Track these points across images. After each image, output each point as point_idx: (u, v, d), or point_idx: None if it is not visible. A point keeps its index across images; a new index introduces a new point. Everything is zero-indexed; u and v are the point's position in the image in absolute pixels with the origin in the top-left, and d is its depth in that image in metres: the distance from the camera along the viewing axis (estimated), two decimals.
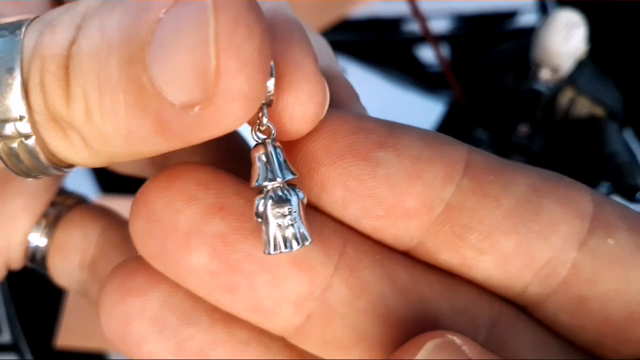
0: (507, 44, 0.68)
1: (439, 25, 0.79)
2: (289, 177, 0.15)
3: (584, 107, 0.65)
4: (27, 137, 0.14)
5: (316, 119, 0.16)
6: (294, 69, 0.15)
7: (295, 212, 0.15)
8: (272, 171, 0.15)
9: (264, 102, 0.15)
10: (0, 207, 0.23)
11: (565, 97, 0.65)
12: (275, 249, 0.15)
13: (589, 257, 0.15)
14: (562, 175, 0.16)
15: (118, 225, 0.25)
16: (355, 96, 0.19)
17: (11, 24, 0.14)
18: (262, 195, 0.15)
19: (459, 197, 0.15)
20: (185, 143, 0.14)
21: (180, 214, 0.15)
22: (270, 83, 0.15)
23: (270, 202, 0.15)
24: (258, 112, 0.15)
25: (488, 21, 0.80)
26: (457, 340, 0.14)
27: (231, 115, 0.13)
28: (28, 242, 0.24)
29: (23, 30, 0.14)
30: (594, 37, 0.64)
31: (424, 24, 0.61)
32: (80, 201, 0.25)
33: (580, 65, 0.64)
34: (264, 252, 0.15)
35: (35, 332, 0.54)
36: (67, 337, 0.52)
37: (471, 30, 0.79)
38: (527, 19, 0.82)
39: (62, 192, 0.25)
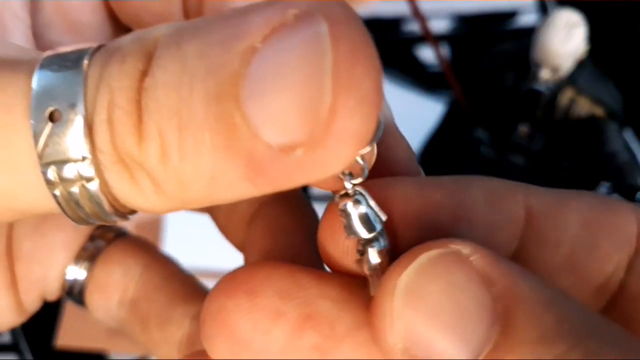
0: (507, 44, 0.68)
1: (438, 25, 0.79)
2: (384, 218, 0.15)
3: (584, 107, 0.65)
4: (89, 180, 0.13)
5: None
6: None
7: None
8: (370, 220, 0.14)
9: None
10: (39, 241, 0.22)
11: (565, 97, 0.65)
12: None
13: (635, 279, 0.16)
14: (608, 199, 0.16)
15: (160, 263, 0.24)
16: (411, 155, 0.18)
17: (73, 52, 0.13)
18: (369, 245, 0.14)
19: (521, 248, 0.15)
20: (278, 189, 0.12)
21: (270, 334, 0.14)
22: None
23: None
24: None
25: (488, 21, 0.80)
26: (465, 250, 0.13)
27: (340, 158, 0.12)
28: (65, 275, 0.23)
29: (86, 60, 0.13)
30: (594, 37, 0.64)
31: (424, 24, 0.61)
32: (119, 234, 0.24)
33: (580, 65, 0.65)
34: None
35: (35, 332, 0.54)
36: (67, 337, 0.52)
37: (471, 30, 0.79)
38: (527, 19, 0.82)
39: (101, 225, 0.24)
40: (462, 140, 0.71)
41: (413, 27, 0.77)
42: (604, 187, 0.69)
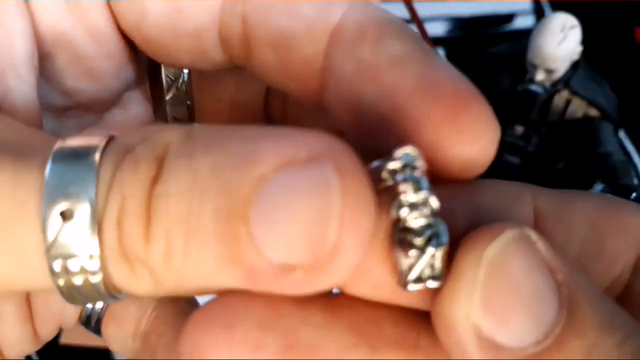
0: (503, 45, 0.69)
1: (436, 28, 0.80)
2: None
3: (579, 108, 0.66)
4: (93, 273, 0.13)
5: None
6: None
7: None
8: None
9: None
10: None
11: (561, 98, 0.66)
12: None
13: None
14: (615, 199, 0.17)
15: (172, 298, 0.24)
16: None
17: (83, 147, 0.14)
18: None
19: None
20: (273, 293, 0.13)
21: None
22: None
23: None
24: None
25: (485, 24, 0.81)
26: (533, 235, 0.13)
27: (335, 281, 0.13)
28: (83, 307, 0.24)
29: (97, 157, 0.13)
30: (589, 38, 0.64)
31: (422, 27, 0.62)
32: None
33: (575, 67, 0.65)
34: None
35: None
36: (72, 334, 0.53)
37: (468, 33, 0.80)
38: (524, 21, 0.82)
39: None
40: None
41: (412, 29, 0.78)
42: (598, 187, 0.69)
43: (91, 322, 0.25)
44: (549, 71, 0.64)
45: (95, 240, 0.13)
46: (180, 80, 0.21)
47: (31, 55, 0.18)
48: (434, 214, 0.14)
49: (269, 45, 0.17)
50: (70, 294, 0.14)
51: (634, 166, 0.78)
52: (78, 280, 0.14)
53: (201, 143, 0.13)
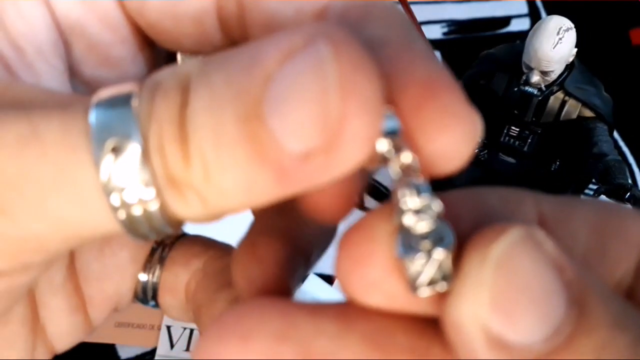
0: (499, 48, 0.69)
1: (433, 31, 0.81)
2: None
3: (574, 109, 0.66)
4: (149, 202, 0.14)
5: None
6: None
7: None
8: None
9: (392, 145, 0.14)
10: (107, 261, 0.23)
11: (556, 100, 0.66)
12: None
13: None
14: (615, 204, 0.17)
15: (217, 256, 0.24)
16: None
17: (120, 94, 0.15)
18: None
19: None
20: (305, 189, 0.14)
21: None
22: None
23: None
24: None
25: (481, 27, 0.81)
26: (540, 234, 0.13)
27: (354, 158, 0.13)
28: (136, 285, 0.25)
29: (133, 96, 0.14)
30: (585, 41, 0.65)
31: (419, 30, 0.63)
32: (178, 237, 0.25)
33: (571, 68, 0.66)
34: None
35: None
36: None
37: (465, 36, 0.81)
38: (520, 24, 0.83)
39: None
40: None
41: None
42: (593, 187, 0.70)
43: (147, 298, 0.25)
44: (545, 73, 0.64)
45: (146, 170, 0.14)
46: None
47: (55, 43, 0.19)
48: (438, 217, 0.14)
49: (262, 27, 0.18)
50: (133, 227, 0.15)
51: (629, 166, 0.79)
52: (137, 210, 0.14)
53: (215, 63, 0.14)
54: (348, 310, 0.15)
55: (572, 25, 0.63)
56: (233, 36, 0.19)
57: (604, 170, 0.64)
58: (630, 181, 0.64)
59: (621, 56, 0.81)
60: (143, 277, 0.25)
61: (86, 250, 0.23)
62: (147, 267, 0.24)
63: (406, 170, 0.14)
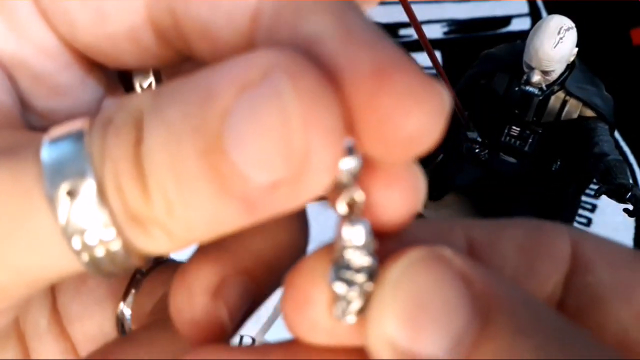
0: (500, 47, 0.69)
1: (433, 31, 0.81)
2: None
3: (575, 109, 0.66)
4: (110, 242, 0.14)
5: (409, 218, 0.15)
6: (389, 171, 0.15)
7: None
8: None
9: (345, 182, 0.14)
10: (85, 300, 0.23)
11: (557, 99, 0.66)
12: None
13: (572, 296, 0.16)
14: (542, 223, 0.17)
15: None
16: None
17: (70, 132, 0.14)
18: None
19: None
20: (272, 216, 0.14)
21: None
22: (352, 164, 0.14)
23: None
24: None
25: (482, 27, 0.81)
26: (447, 253, 0.14)
27: (319, 186, 0.13)
28: (118, 318, 0.24)
29: (84, 136, 0.14)
30: (586, 40, 0.65)
31: (420, 30, 0.63)
32: (158, 263, 0.25)
33: (571, 68, 0.66)
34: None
35: None
36: None
37: (465, 35, 0.81)
38: (520, 24, 0.83)
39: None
40: (457, 141, 0.73)
41: (410, 31, 0.79)
42: (594, 187, 0.70)
43: (125, 329, 0.25)
44: (545, 73, 0.64)
45: (104, 210, 0.14)
46: (150, 82, 0.21)
47: (1, 79, 0.19)
48: (373, 253, 0.15)
49: (198, 36, 0.17)
50: (98, 267, 0.15)
51: (630, 166, 0.79)
52: (100, 252, 0.14)
53: (167, 97, 0.14)
54: (295, 348, 0.15)
55: (573, 25, 0.63)
56: (174, 46, 0.19)
57: (604, 170, 0.64)
58: (631, 181, 0.64)
59: (622, 56, 0.81)
60: (122, 308, 0.24)
61: (63, 292, 0.23)
62: (125, 299, 0.24)
63: (351, 208, 0.15)
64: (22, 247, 0.14)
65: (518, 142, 0.70)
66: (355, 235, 0.14)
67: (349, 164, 0.14)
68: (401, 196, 0.15)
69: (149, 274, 0.24)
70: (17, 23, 0.19)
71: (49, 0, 0.18)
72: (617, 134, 0.74)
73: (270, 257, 0.17)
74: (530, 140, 0.69)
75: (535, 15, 0.83)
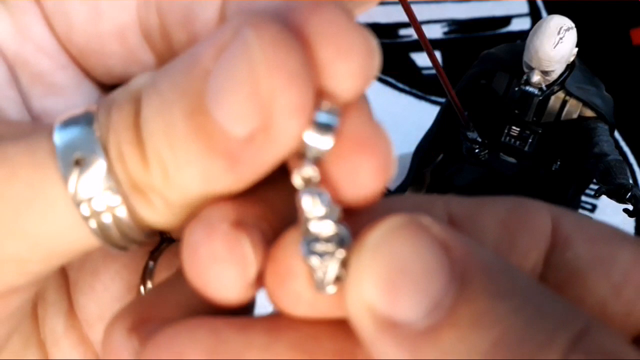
0: (500, 48, 0.70)
1: (433, 31, 0.81)
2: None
3: (575, 109, 0.66)
4: (116, 207, 0.15)
5: (375, 198, 0.15)
6: (357, 134, 0.15)
7: None
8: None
9: (313, 155, 0.15)
10: (102, 297, 0.23)
11: (557, 99, 0.66)
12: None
13: (552, 271, 0.16)
14: (523, 200, 0.17)
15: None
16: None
17: (82, 114, 0.16)
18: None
19: None
20: (256, 175, 0.14)
21: None
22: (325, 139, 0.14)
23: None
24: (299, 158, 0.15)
25: (482, 27, 0.82)
26: (425, 220, 0.14)
27: (289, 133, 0.14)
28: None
29: (92, 115, 0.16)
30: (585, 40, 0.65)
31: (420, 30, 0.63)
32: (164, 243, 0.25)
33: (571, 68, 0.66)
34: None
35: None
36: None
37: (465, 35, 0.81)
38: (520, 24, 0.83)
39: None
40: (456, 142, 0.73)
41: (410, 31, 0.79)
42: (594, 187, 0.70)
43: None
44: (545, 73, 0.64)
45: (110, 178, 0.15)
46: None
47: (6, 73, 0.20)
48: (338, 221, 0.15)
49: (180, 24, 0.19)
50: (105, 235, 0.16)
51: (630, 166, 0.79)
52: (107, 218, 0.15)
53: (161, 72, 0.15)
54: (277, 321, 0.16)
55: (573, 25, 0.63)
56: (159, 50, 0.20)
57: (604, 170, 0.64)
58: (631, 181, 0.64)
59: (622, 56, 0.81)
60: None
61: (79, 291, 0.23)
62: (142, 287, 0.24)
63: (307, 181, 0.15)
64: (36, 215, 0.15)
65: (518, 142, 0.70)
66: (314, 206, 0.15)
67: (314, 137, 0.14)
68: (369, 165, 0.15)
69: (159, 259, 0.23)
70: (21, 23, 0.20)
71: (52, 2, 0.20)
72: (617, 134, 0.74)
73: (284, 210, 0.17)
74: (530, 140, 0.69)
75: (535, 15, 0.83)
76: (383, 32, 0.81)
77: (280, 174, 0.16)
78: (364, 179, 0.15)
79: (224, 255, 0.15)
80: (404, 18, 0.61)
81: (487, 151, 0.71)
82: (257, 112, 0.14)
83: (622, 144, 0.74)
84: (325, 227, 0.15)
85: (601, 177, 0.64)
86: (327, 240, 0.15)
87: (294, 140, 0.14)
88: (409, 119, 0.82)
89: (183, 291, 0.17)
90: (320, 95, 0.14)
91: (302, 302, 0.15)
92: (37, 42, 0.20)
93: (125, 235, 0.16)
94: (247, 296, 0.15)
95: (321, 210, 0.15)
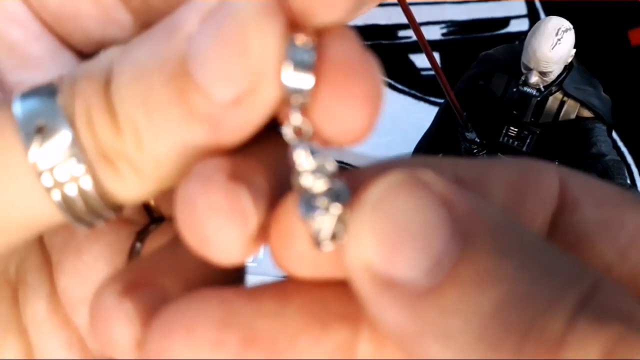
0: (498, 48, 0.70)
1: (432, 32, 0.81)
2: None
3: (573, 110, 0.67)
4: (80, 177, 0.14)
5: (366, 133, 0.15)
6: (341, 62, 0.14)
7: None
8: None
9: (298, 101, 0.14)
10: (86, 277, 0.20)
11: (555, 100, 0.67)
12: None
13: (559, 233, 0.16)
14: (530, 160, 0.17)
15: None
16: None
17: (43, 85, 0.15)
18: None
19: None
20: (238, 139, 0.14)
21: None
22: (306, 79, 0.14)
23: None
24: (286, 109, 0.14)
25: (480, 28, 0.82)
26: (427, 176, 0.13)
27: (275, 89, 0.13)
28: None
29: (57, 86, 0.15)
30: (584, 41, 0.65)
31: (419, 31, 0.63)
32: (151, 224, 0.25)
33: (569, 69, 0.66)
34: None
35: None
36: None
37: (464, 37, 0.81)
38: (519, 25, 0.83)
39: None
40: (455, 142, 0.73)
41: (409, 33, 0.79)
42: None
43: None
44: (543, 74, 0.65)
45: (74, 146, 0.14)
46: None
47: None
48: (333, 176, 0.14)
49: None
50: (71, 208, 0.15)
51: (627, 166, 0.79)
52: (72, 189, 0.15)
53: (136, 42, 0.14)
54: (285, 288, 0.15)
55: (571, 26, 0.63)
56: (135, 8, 0.19)
57: (602, 171, 0.64)
58: (629, 181, 0.64)
59: (620, 57, 0.81)
60: None
61: (61, 271, 0.22)
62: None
63: (299, 134, 0.14)
64: None
65: (516, 143, 0.70)
66: (306, 158, 0.14)
67: (297, 79, 0.14)
68: (357, 92, 0.14)
69: (145, 240, 0.22)
70: None
71: None
72: (615, 135, 0.74)
73: (279, 167, 0.16)
74: (528, 140, 0.69)
75: (533, 17, 0.83)
76: (382, 33, 0.81)
77: (272, 131, 0.15)
78: (353, 108, 0.14)
79: (223, 207, 0.14)
80: (403, 19, 0.61)
81: (485, 151, 0.71)
82: (246, 73, 0.13)
83: (620, 144, 0.74)
84: (318, 181, 0.14)
85: (599, 177, 0.65)
86: (320, 194, 0.14)
87: (277, 97, 0.14)
88: (407, 119, 0.83)
89: (176, 256, 0.17)
90: (293, 27, 0.14)
91: (306, 263, 0.15)
92: (7, 13, 0.19)
93: (91, 209, 0.15)
94: (247, 254, 0.15)
95: (313, 163, 0.14)
